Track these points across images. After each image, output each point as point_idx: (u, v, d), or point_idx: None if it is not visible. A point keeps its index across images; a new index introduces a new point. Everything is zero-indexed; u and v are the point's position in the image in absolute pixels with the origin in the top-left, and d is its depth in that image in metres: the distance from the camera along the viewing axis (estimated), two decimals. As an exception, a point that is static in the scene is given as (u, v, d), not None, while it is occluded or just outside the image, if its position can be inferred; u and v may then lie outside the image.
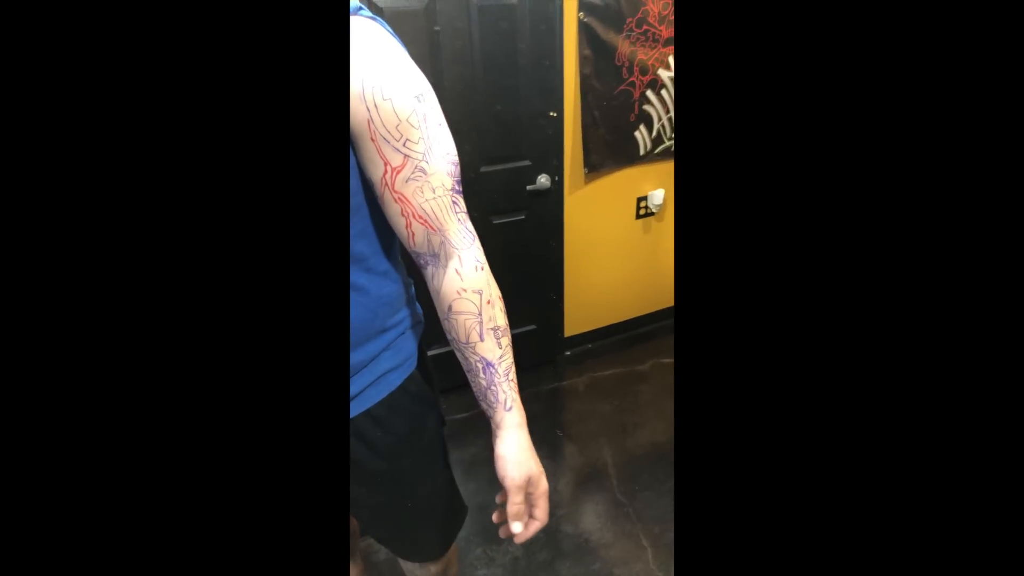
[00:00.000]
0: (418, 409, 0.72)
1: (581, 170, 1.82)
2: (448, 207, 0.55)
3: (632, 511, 1.47)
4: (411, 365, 0.70)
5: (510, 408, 0.60)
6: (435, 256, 0.58)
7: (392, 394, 0.68)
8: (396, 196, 0.53)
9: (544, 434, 1.76)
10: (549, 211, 1.80)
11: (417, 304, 0.73)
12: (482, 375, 0.59)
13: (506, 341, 0.60)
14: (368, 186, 0.56)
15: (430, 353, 1.92)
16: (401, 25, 1.36)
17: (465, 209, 0.58)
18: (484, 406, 0.61)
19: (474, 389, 0.61)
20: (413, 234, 0.56)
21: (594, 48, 1.64)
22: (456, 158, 0.56)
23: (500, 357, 0.59)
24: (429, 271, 0.59)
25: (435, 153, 0.53)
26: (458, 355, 0.61)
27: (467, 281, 0.57)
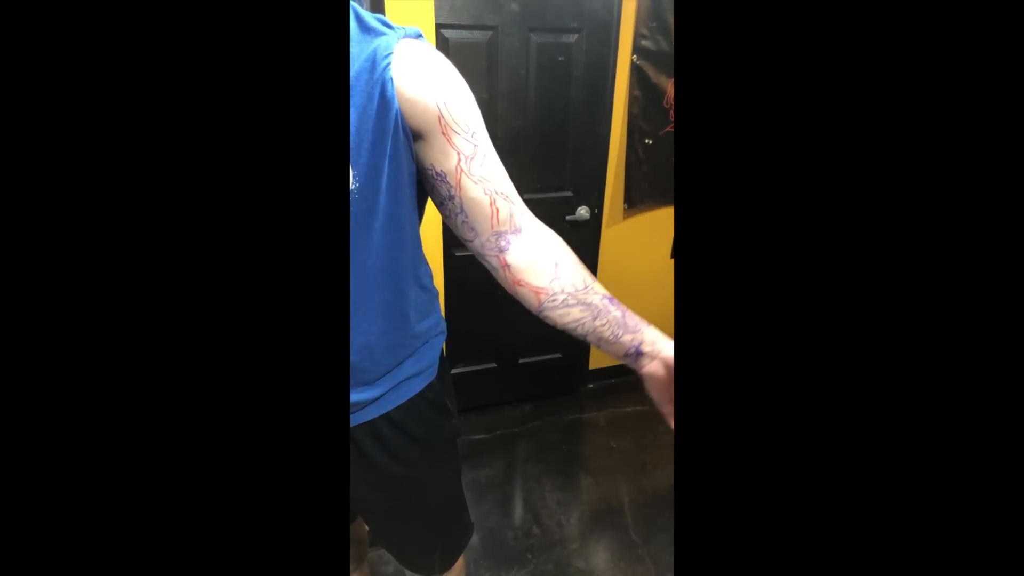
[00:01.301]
0: (435, 416, 0.73)
1: (621, 205, 1.85)
2: (511, 183, 0.60)
3: (647, 553, 1.44)
4: (432, 373, 0.72)
5: (648, 324, 0.61)
6: (517, 230, 0.60)
7: (412, 399, 0.69)
8: (477, 179, 0.57)
9: (561, 465, 1.75)
10: (586, 242, 1.83)
11: (443, 318, 0.76)
12: (613, 308, 0.60)
13: None
14: (432, 183, 0.58)
15: (454, 372, 1.94)
16: (465, 56, 1.44)
17: None
18: (628, 337, 0.60)
19: (608, 331, 0.60)
20: (498, 211, 0.58)
21: (644, 89, 1.69)
22: None
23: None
24: (512, 249, 0.60)
25: (489, 142, 0.58)
26: (580, 308, 0.60)
27: (554, 235, 0.61)
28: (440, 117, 0.54)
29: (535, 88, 1.55)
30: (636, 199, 1.85)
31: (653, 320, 2.08)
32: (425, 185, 0.60)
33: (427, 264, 0.70)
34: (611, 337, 0.60)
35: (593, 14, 1.53)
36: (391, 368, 0.66)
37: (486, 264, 0.62)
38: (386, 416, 0.68)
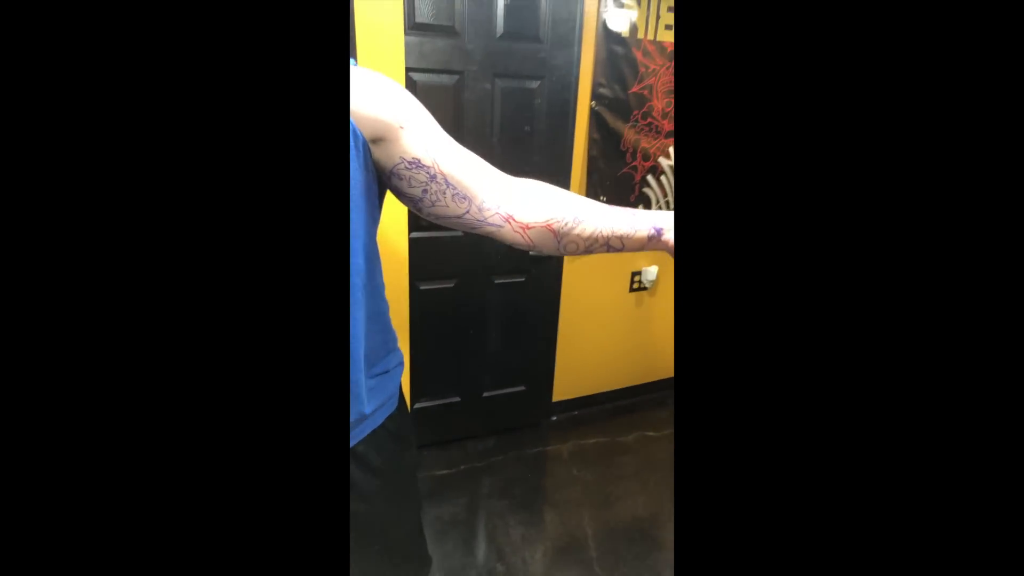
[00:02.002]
0: (396, 448, 0.74)
1: (581, 241, 1.92)
2: None
3: (610, 587, 1.43)
4: (393, 404, 0.73)
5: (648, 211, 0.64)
6: (504, 182, 0.63)
7: (375, 431, 0.69)
8: (454, 147, 0.60)
9: (524, 498, 1.74)
10: (549, 275, 1.88)
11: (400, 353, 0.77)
12: (616, 208, 0.64)
13: None
14: (405, 178, 0.59)
15: (417, 406, 1.92)
16: (432, 98, 1.50)
17: None
18: (644, 224, 0.62)
19: (625, 225, 0.62)
20: (484, 165, 0.62)
21: (602, 133, 1.79)
22: None
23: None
24: (510, 201, 0.62)
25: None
26: (591, 220, 0.62)
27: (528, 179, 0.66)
28: (399, 111, 0.56)
29: (499, 130, 1.62)
30: (596, 235, 1.92)
31: (615, 349, 2.13)
32: (394, 188, 0.61)
33: (384, 294, 0.72)
34: (630, 230, 0.62)
35: (554, 63, 1.62)
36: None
37: (484, 231, 0.63)
38: (351, 451, 0.68)
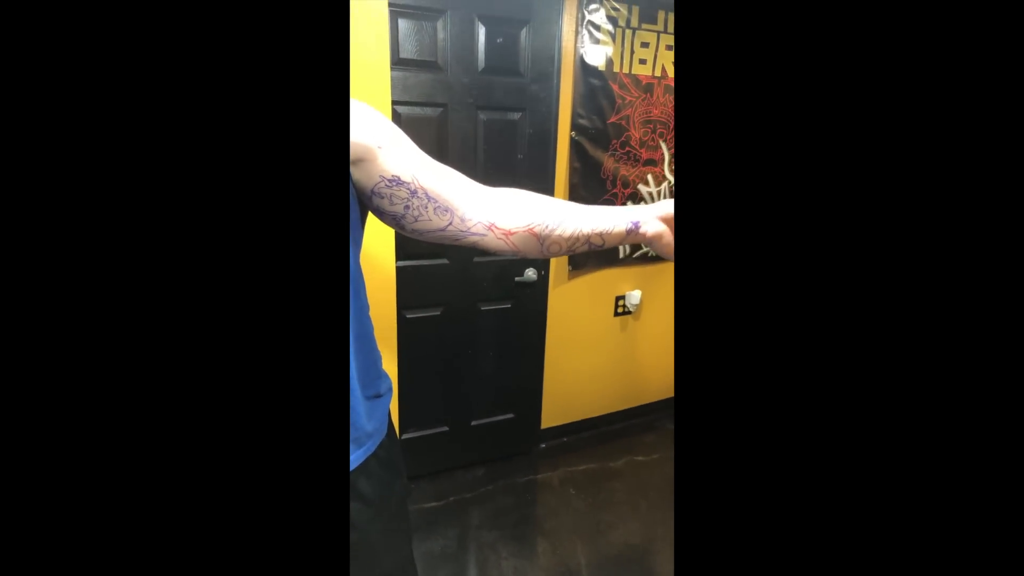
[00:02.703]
0: (386, 476, 0.73)
1: (566, 268, 1.95)
2: None
3: (606, 618, 1.40)
4: (383, 431, 0.72)
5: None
6: (484, 191, 0.65)
7: (366, 460, 0.69)
8: (432, 161, 0.61)
9: (516, 529, 1.70)
10: (535, 301, 1.89)
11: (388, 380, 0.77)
12: (591, 207, 0.65)
13: None
14: (386, 197, 0.60)
15: (405, 437, 1.89)
16: (417, 130, 1.53)
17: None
18: (622, 219, 0.63)
19: (605, 222, 0.63)
20: (462, 177, 0.63)
21: (582, 162, 1.85)
22: None
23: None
24: (491, 209, 0.63)
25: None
26: (570, 221, 0.64)
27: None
28: (376, 133, 0.58)
29: (483, 160, 1.66)
30: (580, 262, 1.95)
31: (602, 374, 2.14)
32: (375, 208, 0.62)
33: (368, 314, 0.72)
34: (610, 227, 0.64)
35: (535, 96, 1.68)
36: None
37: (468, 241, 0.64)
38: None
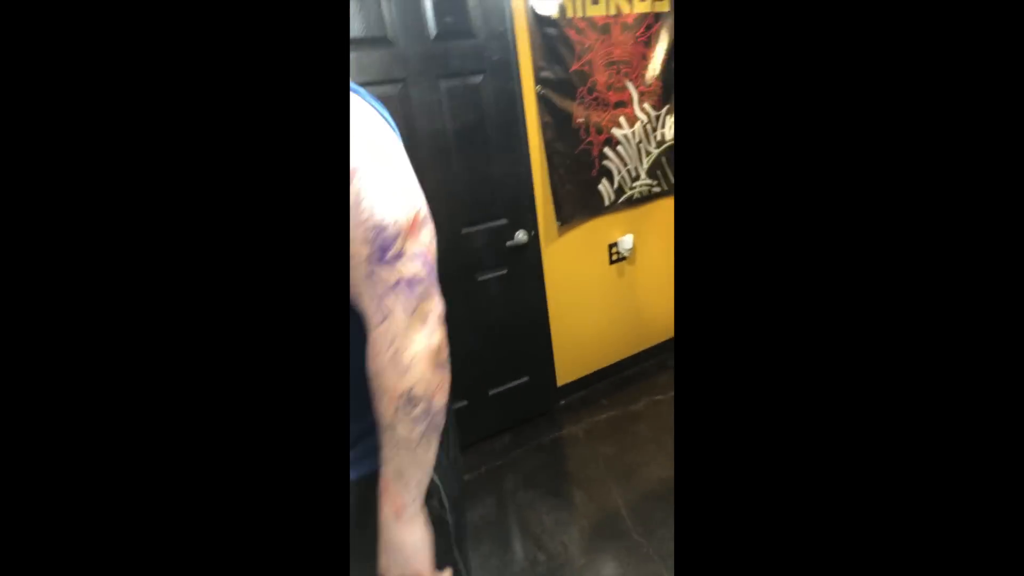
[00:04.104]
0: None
1: (554, 224, 1.94)
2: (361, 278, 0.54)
3: (652, 550, 1.45)
4: None
5: None
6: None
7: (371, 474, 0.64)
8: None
9: (551, 485, 1.74)
10: (529, 263, 1.89)
11: None
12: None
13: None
14: None
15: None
16: (379, 109, 1.50)
17: (393, 281, 0.53)
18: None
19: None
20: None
21: (553, 115, 1.82)
22: (376, 223, 0.52)
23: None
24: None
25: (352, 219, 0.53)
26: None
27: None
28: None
29: (453, 129, 1.63)
30: (567, 215, 1.95)
31: (608, 323, 2.16)
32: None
33: None
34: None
35: (492, 55, 1.64)
36: (359, 439, 0.62)
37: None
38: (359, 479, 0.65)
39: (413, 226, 0.54)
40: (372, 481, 0.64)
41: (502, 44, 1.65)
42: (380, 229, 0.53)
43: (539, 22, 1.71)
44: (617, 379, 2.30)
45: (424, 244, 0.56)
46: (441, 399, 0.57)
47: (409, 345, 0.53)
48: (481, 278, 1.81)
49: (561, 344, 2.08)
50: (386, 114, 0.62)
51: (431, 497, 0.69)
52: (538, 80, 1.76)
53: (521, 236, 1.83)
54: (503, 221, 1.80)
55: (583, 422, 2.05)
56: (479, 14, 1.59)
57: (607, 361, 2.28)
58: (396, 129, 0.64)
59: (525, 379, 2.02)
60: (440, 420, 0.58)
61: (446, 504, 0.71)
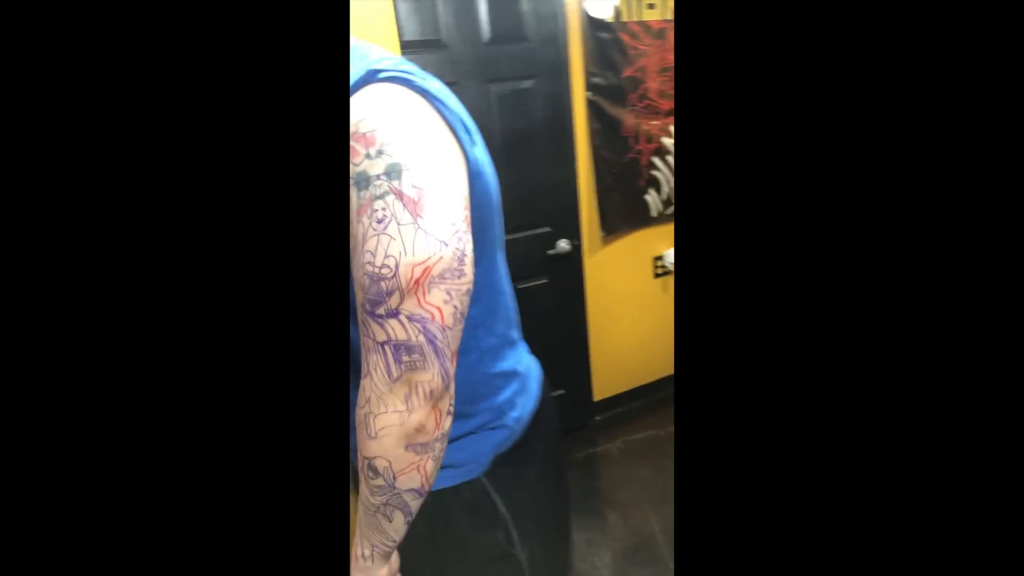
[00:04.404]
0: (469, 520, 0.63)
1: (598, 233, 1.89)
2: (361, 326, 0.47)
3: (689, 582, 1.37)
4: (473, 472, 0.62)
5: None
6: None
7: (444, 491, 0.61)
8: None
9: (583, 503, 1.68)
10: (570, 274, 1.85)
11: (514, 408, 0.64)
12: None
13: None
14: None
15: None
16: (428, 111, 1.49)
17: (381, 339, 0.45)
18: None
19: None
20: None
21: (602, 122, 1.77)
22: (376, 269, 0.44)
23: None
24: None
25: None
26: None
27: None
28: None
29: (499, 133, 1.61)
30: (612, 225, 1.89)
31: (650, 339, 2.08)
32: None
33: (486, 347, 0.62)
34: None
35: (544, 60, 1.61)
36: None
37: None
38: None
39: (417, 282, 0.44)
40: (438, 495, 0.61)
41: (554, 48, 1.62)
42: (374, 279, 0.44)
43: (593, 26, 1.67)
44: (657, 397, 2.22)
45: (431, 306, 0.45)
46: (410, 482, 0.49)
47: (381, 414, 0.46)
48: (520, 286, 1.78)
49: (600, 357, 2.02)
50: (460, 119, 0.53)
51: (494, 529, 0.64)
52: (589, 86, 1.72)
53: (564, 245, 1.79)
54: (546, 229, 1.77)
55: (619, 440, 1.98)
56: (533, 18, 1.57)
57: (647, 378, 2.20)
58: (469, 134, 0.55)
59: (561, 392, 1.97)
60: (408, 501, 0.50)
61: (514, 538, 0.64)
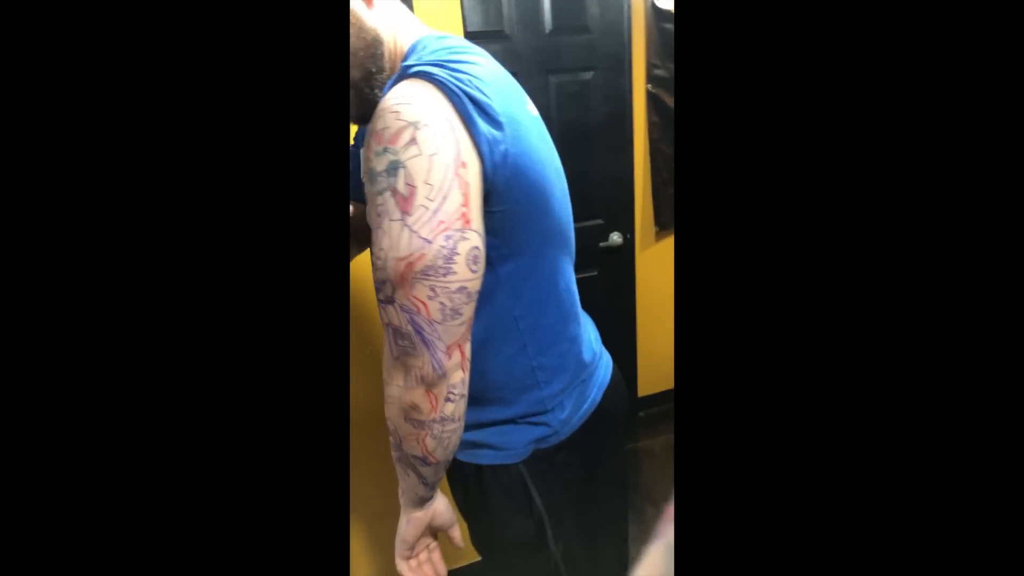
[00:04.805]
0: (504, 501, 0.66)
1: (652, 228, 1.87)
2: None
3: (724, 584, 1.36)
4: (511, 458, 0.65)
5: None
6: None
7: (484, 467, 0.66)
8: None
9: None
10: (622, 267, 1.84)
11: (563, 410, 0.66)
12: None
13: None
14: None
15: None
16: (488, 102, 1.53)
17: (384, 321, 0.51)
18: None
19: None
20: None
21: (661, 115, 1.74)
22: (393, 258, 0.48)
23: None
24: None
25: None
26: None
27: None
28: None
29: (558, 124, 1.62)
30: (666, 220, 1.86)
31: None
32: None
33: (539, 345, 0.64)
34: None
35: (606, 52, 1.60)
36: (471, 426, 0.63)
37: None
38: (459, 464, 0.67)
39: (402, 277, 0.48)
40: (478, 469, 0.66)
41: (617, 40, 1.60)
42: (374, 268, 0.51)
43: (657, 16, 1.64)
44: (703, 397, 2.18)
45: (416, 300, 0.48)
46: (412, 449, 0.54)
47: (388, 384, 0.53)
48: (570, 277, 1.79)
49: (646, 353, 2.01)
50: (488, 112, 0.52)
51: (527, 517, 0.66)
52: (650, 78, 1.69)
53: (616, 238, 1.78)
54: (598, 221, 1.76)
55: (661, 437, 1.97)
56: (596, 8, 1.56)
57: (694, 377, 2.16)
58: (501, 127, 0.54)
59: (605, 384, 1.97)
60: (415, 464, 0.56)
61: (547, 531, 0.67)
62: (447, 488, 0.73)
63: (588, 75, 1.61)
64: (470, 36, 1.47)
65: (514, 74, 1.60)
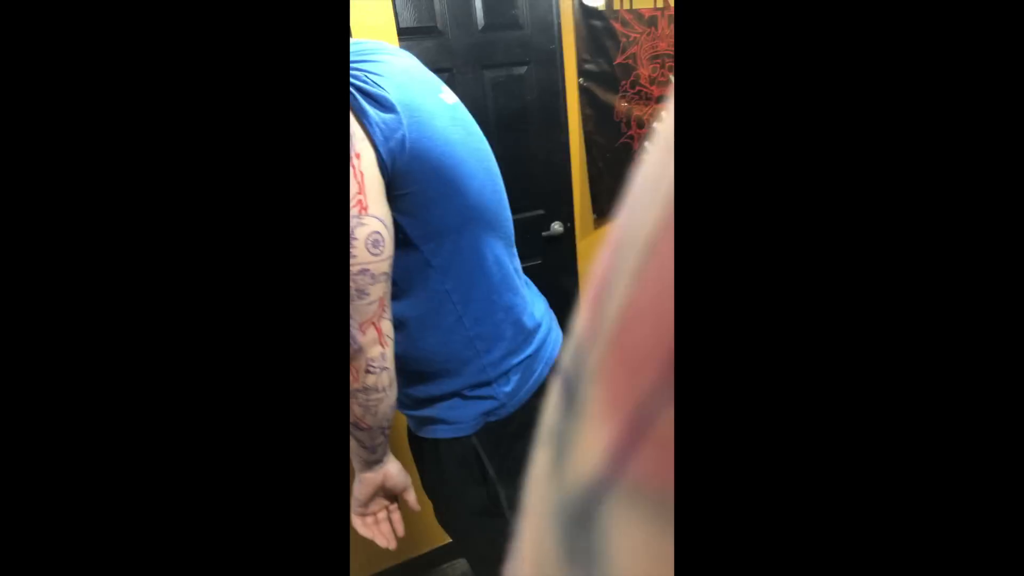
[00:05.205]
0: (459, 473, 0.71)
1: (590, 217, 1.95)
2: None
3: None
4: (463, 430, 0.70)
5: None
6: None
7: (439, 441, 0.71)
8: None
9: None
10: (564, 255, 1.92)
11: (508, 383, 0.71)
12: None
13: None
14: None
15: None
16: (425, 97, 1.55)
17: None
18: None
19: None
20: None
21: (594, 108, 1.83)
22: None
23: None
24: None
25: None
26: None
27: None
28: None
29: (494, 119, 1.67)
30: (604, 209, 1.96)
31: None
32: None
33: (475, 315, 0.70)
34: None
35: (537, 47, 1.66)
36: (422, 401, 0.69)
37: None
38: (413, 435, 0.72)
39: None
40: (435, 444, 0.71)
41: (548, 36, 1.67)
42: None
43: (585, 13, 1.72)
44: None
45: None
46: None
47: None
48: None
49: (591, 336, 2.10)
50: (381, 102, 0.58)
51: (481, 486, 0.72)
52: (581, 72, 1.77)
53: (557, 227, 1.85)
54: (540, 212, 1.83)
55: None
56: (526, 5, 1.61)
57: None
58: (396, 114, 0.59)
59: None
60: (352, 430, 0.61)
61: (502, 501, 0.73)
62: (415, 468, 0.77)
63: (522, 70, 1.67)
64: (402, 33, 1.48)
65: (448, 69, 1.64)
